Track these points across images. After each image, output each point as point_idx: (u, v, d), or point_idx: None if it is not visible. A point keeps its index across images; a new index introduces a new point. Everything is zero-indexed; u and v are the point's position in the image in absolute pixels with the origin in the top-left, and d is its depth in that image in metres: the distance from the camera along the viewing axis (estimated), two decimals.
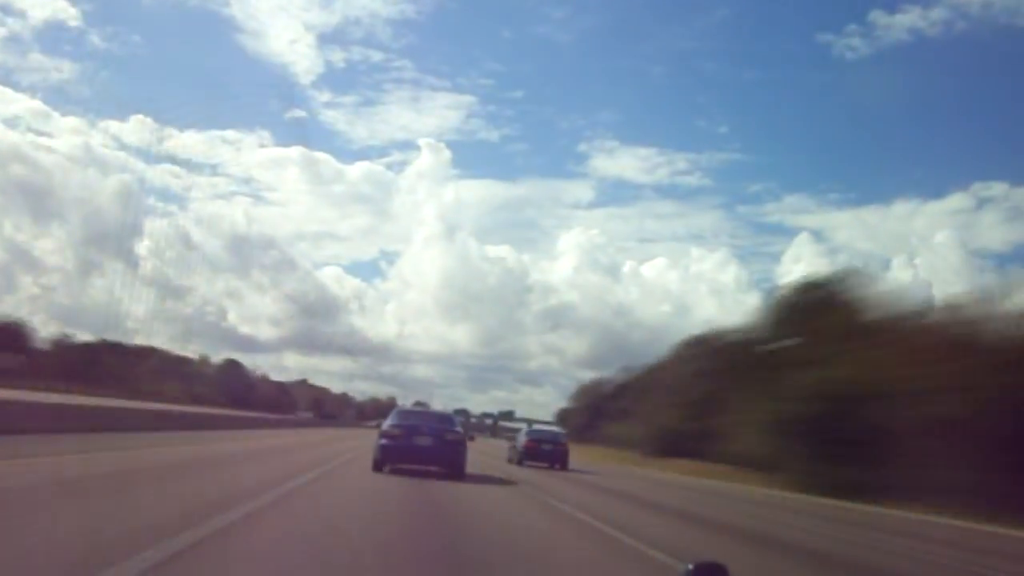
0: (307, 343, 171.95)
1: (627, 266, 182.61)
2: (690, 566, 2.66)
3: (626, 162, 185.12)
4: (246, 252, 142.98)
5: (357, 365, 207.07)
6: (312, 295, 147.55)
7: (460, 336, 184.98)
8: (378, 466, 16.32)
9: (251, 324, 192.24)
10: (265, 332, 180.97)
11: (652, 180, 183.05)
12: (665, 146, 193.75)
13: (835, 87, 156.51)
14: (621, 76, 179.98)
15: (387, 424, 17.23)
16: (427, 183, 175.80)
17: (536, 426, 43.27)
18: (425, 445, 16.59)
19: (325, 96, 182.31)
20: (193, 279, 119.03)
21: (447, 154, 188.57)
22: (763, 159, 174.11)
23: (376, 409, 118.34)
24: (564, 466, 28.50)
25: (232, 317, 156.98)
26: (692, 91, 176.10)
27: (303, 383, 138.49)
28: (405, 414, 18.84)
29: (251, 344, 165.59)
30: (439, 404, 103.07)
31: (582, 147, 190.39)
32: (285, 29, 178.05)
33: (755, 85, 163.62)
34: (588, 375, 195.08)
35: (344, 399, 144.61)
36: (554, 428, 41.18)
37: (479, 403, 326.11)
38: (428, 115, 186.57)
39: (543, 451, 28.99)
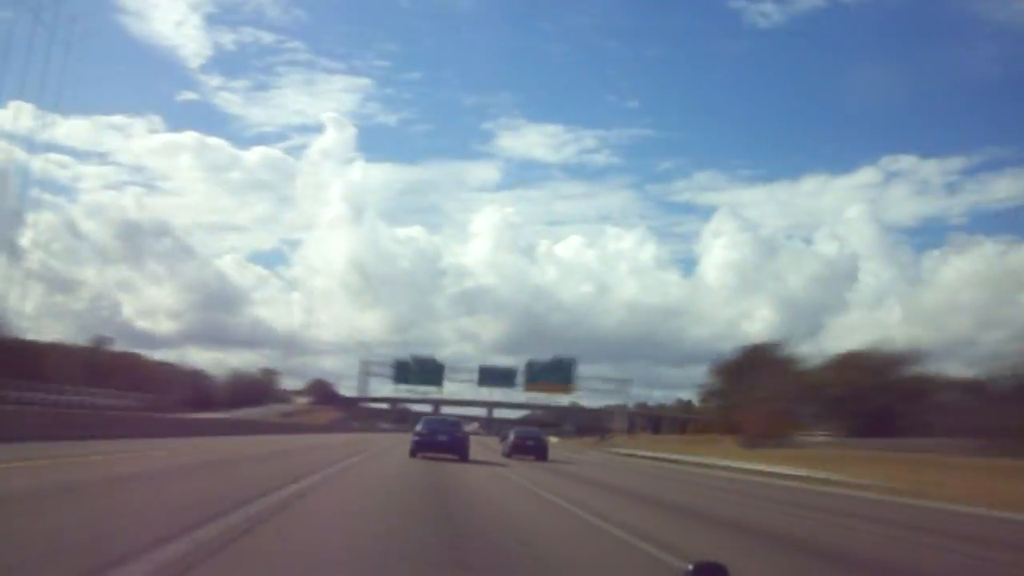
0: (209, 337, 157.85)
1: (542, 247, 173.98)
2: (690, 566, 2.68)
3: (533, 140, 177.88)
4: (140, 242, 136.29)
5: (263, 358, 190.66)
6: (212, 285, 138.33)
7: (370, 323, 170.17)
8: (413, 453, 25.10)
9: (148, 318, 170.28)
10: (164, 326, 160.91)
11: (560, 159, 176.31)
12: (573, 123, 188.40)
13: (746, 58, 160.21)
14: (523, 55, 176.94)
15: (418, 427, 26.73)
16: (331, 163, 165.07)
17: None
18: (443, 440, 25.71)
19: (216, 80, 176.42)
20: (84, 272, 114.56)
21: (352, 130, 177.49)
22: (673, 135, 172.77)
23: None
24: (543, 458, 33.22)
25: (127, 311, 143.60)
26: (598, 67, 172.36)
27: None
28: (429, 421, 28.52)
29: (149, 340, 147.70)
30: (346, 393, 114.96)
31: (487, 125, 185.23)
32: (170, 10, 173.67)
33: (661, 60, 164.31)
34: (505, 361, 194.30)
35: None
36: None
37: (389, 394, 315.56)
38: (324, 99, 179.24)
39: (527, 446, 34.08)
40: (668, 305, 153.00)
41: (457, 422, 30.38)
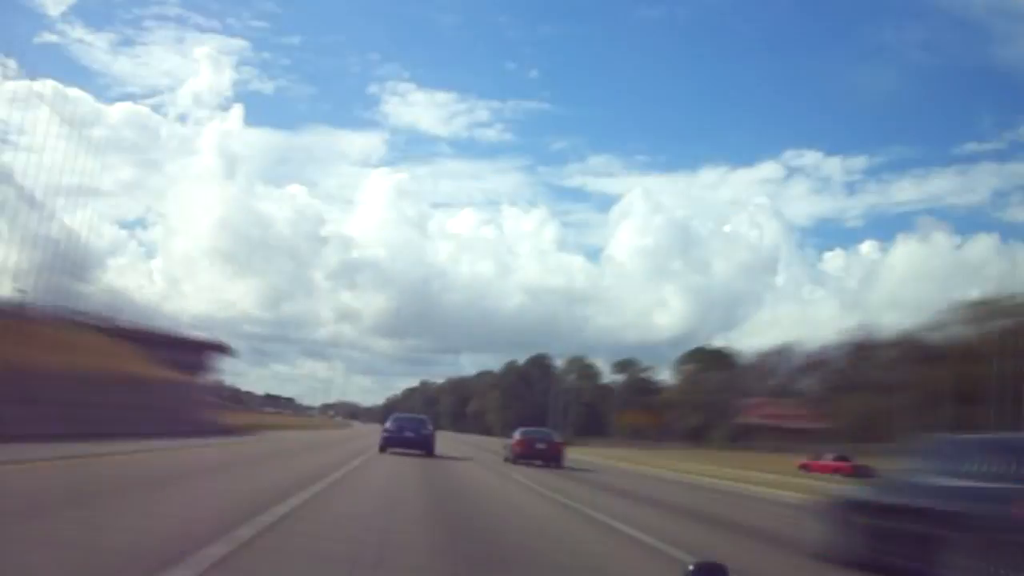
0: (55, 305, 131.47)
1: (435, 220, 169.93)
2: (690, 566, 2.67)
3: (421, 110, 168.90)
4: None
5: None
6: (60, 245, 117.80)
7: (240, 296, 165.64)
8: (383, 449, 26.44)
9: None
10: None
11: (449, 132, 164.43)
12: (466, 91, 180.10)
13: (654, 38, 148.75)
14: (415, 23, 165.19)
15: (387, 425, 28.54)
16: (203, 110, 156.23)
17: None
18: (410, 436, 27.34)
19: (78, 32, 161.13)
20: None
21: (228, 73, 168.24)
22: (572, 111, 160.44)
23: None
24: (559, 464, 28.13)
25: None
26: (497, 33, 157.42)
27: None
28: (397, 419, 29.73)
29: None
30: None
31: (372, 89, 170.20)
32: None
33: (564, 33, 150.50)
34: (386, 345, 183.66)
35: None
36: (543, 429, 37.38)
37: (259, 379, 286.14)
38: (196, 60, 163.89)
39: (536, 450, 28.61)
40: (571, 291, 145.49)
41: (424, 419, 30.69)
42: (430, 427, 29.17)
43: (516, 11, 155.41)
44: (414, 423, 29.09)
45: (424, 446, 26.96)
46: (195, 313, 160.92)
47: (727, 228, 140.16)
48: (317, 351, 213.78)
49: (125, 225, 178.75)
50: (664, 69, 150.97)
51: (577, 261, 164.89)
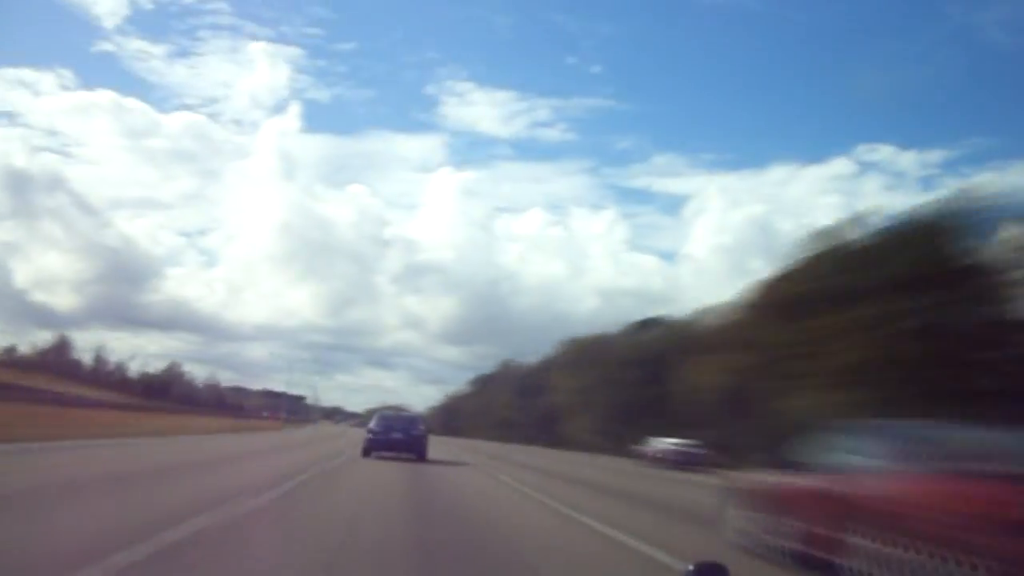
0: (115, 315, 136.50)
1: (501, 222, 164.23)
2: (690, 566, 2.64)
3: (481, 110, 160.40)
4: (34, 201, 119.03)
5: (181, 343, 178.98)
6: (122, 254, 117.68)
7: (302, 303, 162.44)
8: (366, 453, 22.93)
9: (46, 290, 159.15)
10: (64, 300, 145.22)
11: (510, 133, 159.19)
12: (527, 90, 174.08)
13: (722, 32, 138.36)
14: (471, 24, 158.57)
15: (371, 425, 24.46)
16: (260, 118, 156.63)
17: None
18: (399, 438, 23.57)
19: (134, 43, 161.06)
20: None
21: (284, 81, 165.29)
22: (635, 107, 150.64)
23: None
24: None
25: (20, 280, 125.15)
26: (558, 29, 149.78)
27: None
28: (383, 417, 25.72)
29: (47, 317, 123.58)
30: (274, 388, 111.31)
31: (430, 90, 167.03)
32: None
33: (630, 28, 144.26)
34: (453, 353, 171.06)
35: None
36: None
37: (324, 391, 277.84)
38: (251, 70, 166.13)
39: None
40: (646, 292, 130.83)
41: (415, 418, 27.89)
42: (422, 427, 25.49)
43: (574, 9, 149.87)
44: (403, 422, 25.33)
45: (414, 449, 23.38)
46: (256, 323, 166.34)
47: (804, 225, 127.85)
48: (380, 360, 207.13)
49: (185, 234, 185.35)
50: (728, 61, 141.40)
51: (650, 261, 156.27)
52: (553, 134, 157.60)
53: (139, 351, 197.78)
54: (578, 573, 7.06)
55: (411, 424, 25.06)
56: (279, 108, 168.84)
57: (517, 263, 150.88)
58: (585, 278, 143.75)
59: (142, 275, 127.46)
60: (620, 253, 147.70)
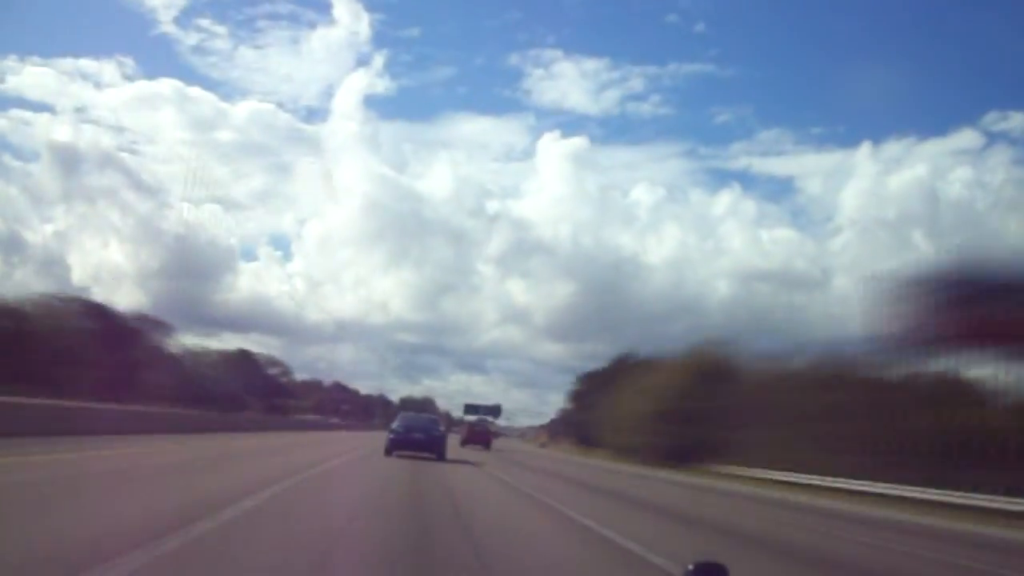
0: (189, 315, 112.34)
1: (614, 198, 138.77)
2: (690, 566, 2.65)
3: (569, 83, 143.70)
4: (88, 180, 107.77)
5: (259, 345, 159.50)
6: (194, 251, 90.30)
7: (391, 294, 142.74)
8: (388, 452, 24.89)
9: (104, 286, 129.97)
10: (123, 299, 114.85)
11: (600, 109, 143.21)
12: (619, 56, 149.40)
13: None
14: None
15: (393, 425, 26.44)
16: (330, 105, 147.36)
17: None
18: (419, 438, 25.56)
19: (192, 38, 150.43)
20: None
21: (365, 26, 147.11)
22: (740, 72, 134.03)
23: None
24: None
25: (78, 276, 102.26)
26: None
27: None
28: (405, 418, 27.65)
29: None
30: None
31: (513, 60, 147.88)
32: None
33: None
34: (555, 352, 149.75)
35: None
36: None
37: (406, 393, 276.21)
38: (313, 61, 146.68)
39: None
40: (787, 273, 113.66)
41: (435, 419, 30.34)
42: (441, 428, 27.83)
43: None
44: (424, 423, 27.25)
45: (433, 448, 25.20)
46: (341, 318, 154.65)
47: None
48: (473, 363, 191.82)
49: (262, 230, 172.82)
50: (842, 18, 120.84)
51: (790, 235, 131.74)
52: (646, 108, 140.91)
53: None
54: None
55: (431, 425, 27.20)
56: (350, 96, 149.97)
57: (635, 243, 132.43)
58: (715, 261, 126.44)
59: (214, 270, 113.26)
60: (751, 232, 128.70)
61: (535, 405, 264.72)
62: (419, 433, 25.67)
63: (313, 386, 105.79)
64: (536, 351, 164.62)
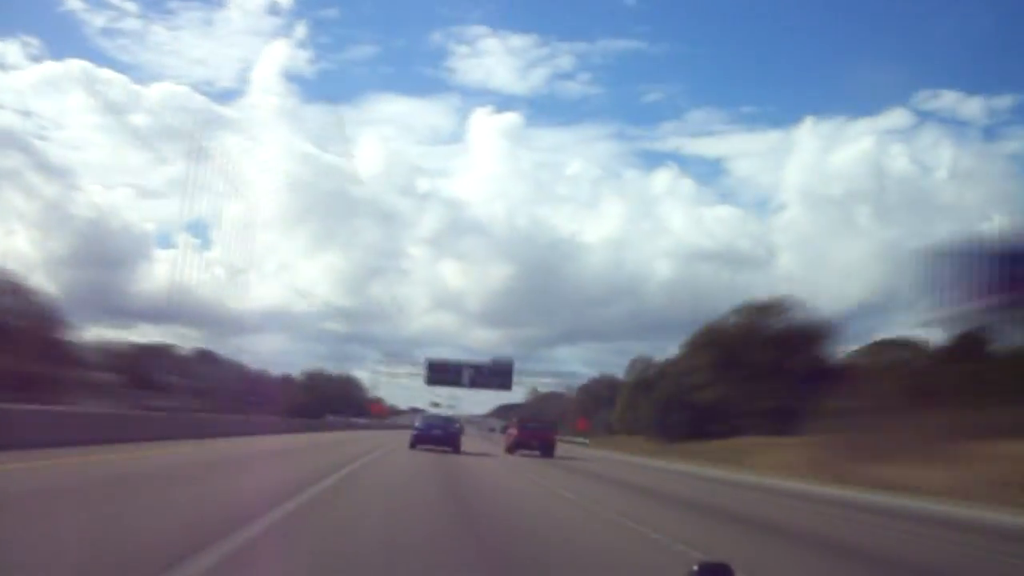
0: (101, 306, 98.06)
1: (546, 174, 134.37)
2: (695, 567, 2.64)
3: (496, 63, 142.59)
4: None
5: (179, 338, 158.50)
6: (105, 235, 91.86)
7: (317, 281, 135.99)
8: (413, 445, 28.62)
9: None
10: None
11: (528, 88, 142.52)
12: (548, 32, 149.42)
13: None
14: None
15: (416, 424, 31.34)
16: (247, 87, 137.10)
17: None
18: (438, 434, 29.47)
19: (100, 18, 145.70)
20: None
21: (282, 6, 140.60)
22: (670, 48, 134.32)
23: None
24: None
25: None
26: None
27: None
28: (426, 418, 34.44)
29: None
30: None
31: (435, 37, 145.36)
32: None
33: None
34: (488, 337, 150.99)
35: None
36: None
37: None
38: (229, 44, 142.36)
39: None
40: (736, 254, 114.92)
41: (451, 418, 35.63)
42: (457, 425, 31.57)
43: None
44: (442, 421, 32.17)
45: (450, 443, 28.81)
46: (265, 306, 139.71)
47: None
48: (402, 352, 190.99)
49: (179, 216, 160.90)
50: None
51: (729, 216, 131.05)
52: (575, 87, 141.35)
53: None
54: None
55: (448, 423, 31.50)
56: (268, 77, 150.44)
57: (572, 223, 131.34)
58: (655, 241, 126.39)
59: (128, 258, 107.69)
60: (690, 212, 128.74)
61: (468, 395, 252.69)
62: (438, 430, 29.69)
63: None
64: (468, 338, 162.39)
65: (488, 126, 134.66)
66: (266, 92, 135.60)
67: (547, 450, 33.41)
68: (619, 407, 79.65)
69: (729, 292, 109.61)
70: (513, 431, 36.39)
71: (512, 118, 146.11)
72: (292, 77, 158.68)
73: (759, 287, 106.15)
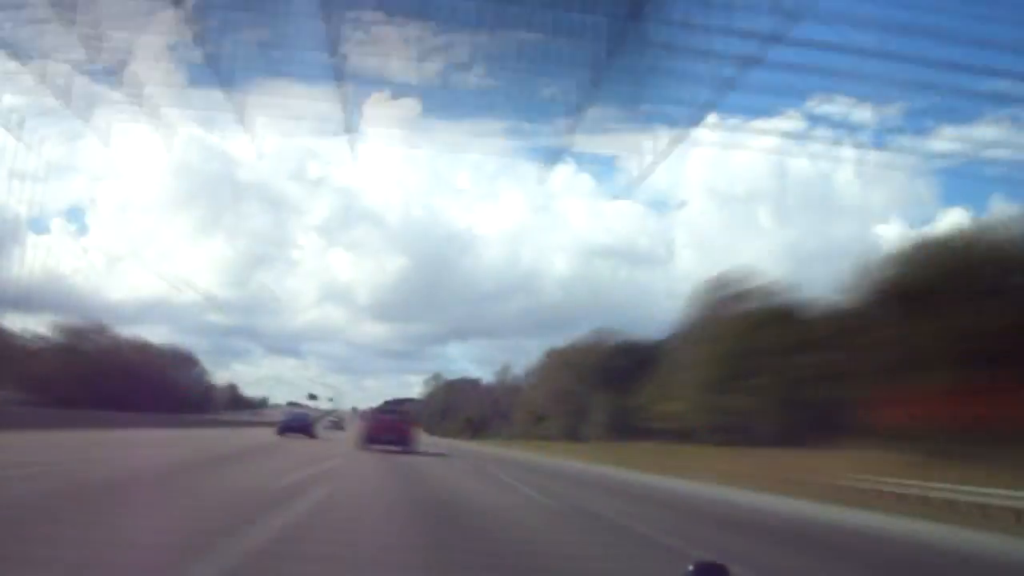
0: None
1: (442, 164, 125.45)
2: (690, 567, 2.67)
3: (389, 51, 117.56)
4: None
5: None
6: None
7: (198, 270, 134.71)
8: (281, 433, 39.10)
9: None
10: None
11: (421, 79, 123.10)
12: (444, 20, 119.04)
13: None
14: None
15: (282, 418, 44.63)
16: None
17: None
18: (297, 425, 41.72)
19: None
20: None
21: None
22: (567, 43, 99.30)
23: None
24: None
25: None
26: None
27: None
28: (288, 413, 50.63)
29: None
30: None
31: (330, 21, 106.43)
32: None
33: None
34: (377, 332, 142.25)
35: None
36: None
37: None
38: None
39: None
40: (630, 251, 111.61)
41: (306, 414, 50.81)
42: (310, 419, 45.87)
43: None
44: (301, 416, 46.82)
45: (307, 431, 40.61)
46: (142, 300, 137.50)
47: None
48: (287, 347, 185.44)
49: (53, 200, 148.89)
50: None
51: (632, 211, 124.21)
52: (470, 80, 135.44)
53: None
54: None
55: (304, 417, 45.07)
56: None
57: (467, 216, 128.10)
58: (551, 236, 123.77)
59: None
60: (589, 208, 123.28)
61: (351, 391, 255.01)
62: (296, 422, 41.97)
63: None
64: (356, 333, 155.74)
65: (384, 112, 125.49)
66: (151, 71, 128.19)
67: (405, 443, 28.93)
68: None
69: (627, 288, 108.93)
70: (364, 424, 31.67)
71: (410, 103, 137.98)
72: (180, 57, 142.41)
73: (658, 283, 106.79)
